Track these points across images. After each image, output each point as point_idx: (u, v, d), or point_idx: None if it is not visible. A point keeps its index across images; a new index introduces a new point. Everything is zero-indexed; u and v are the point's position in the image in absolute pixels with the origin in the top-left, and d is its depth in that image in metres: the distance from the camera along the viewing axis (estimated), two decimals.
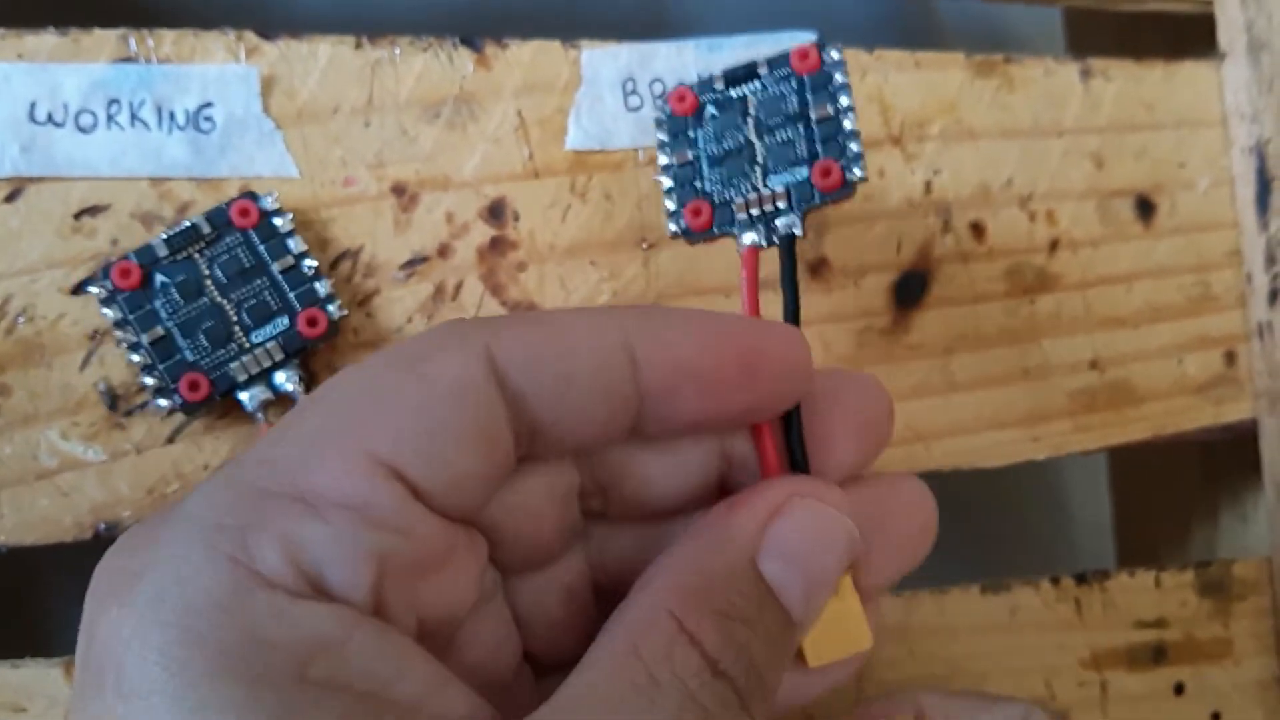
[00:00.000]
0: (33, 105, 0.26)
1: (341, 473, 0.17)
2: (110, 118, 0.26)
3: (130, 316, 0.25)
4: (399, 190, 0.28)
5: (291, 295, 0.26)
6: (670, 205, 0.25)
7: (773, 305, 0.24)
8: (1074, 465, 0.46)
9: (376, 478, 0.17)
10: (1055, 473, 0.48)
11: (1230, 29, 0.36)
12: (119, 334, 0.25)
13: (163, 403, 0.25)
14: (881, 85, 0.32)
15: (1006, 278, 0.33)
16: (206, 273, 0.26)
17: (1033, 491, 0.46)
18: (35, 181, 0.26)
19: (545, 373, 0.19)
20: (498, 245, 0.29)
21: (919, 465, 0.32)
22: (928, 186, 0.32)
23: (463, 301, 0.28)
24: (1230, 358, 0.35)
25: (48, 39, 0.26)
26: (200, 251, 0.26)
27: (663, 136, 0.25)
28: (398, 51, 0.28)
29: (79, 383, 0.26)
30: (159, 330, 0.25)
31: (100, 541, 0.26)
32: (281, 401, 0.26)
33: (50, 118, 0.26)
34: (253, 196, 0.26)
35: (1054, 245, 0.33)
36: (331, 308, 0.26)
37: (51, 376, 0.26)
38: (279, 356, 0.26)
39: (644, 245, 0.30)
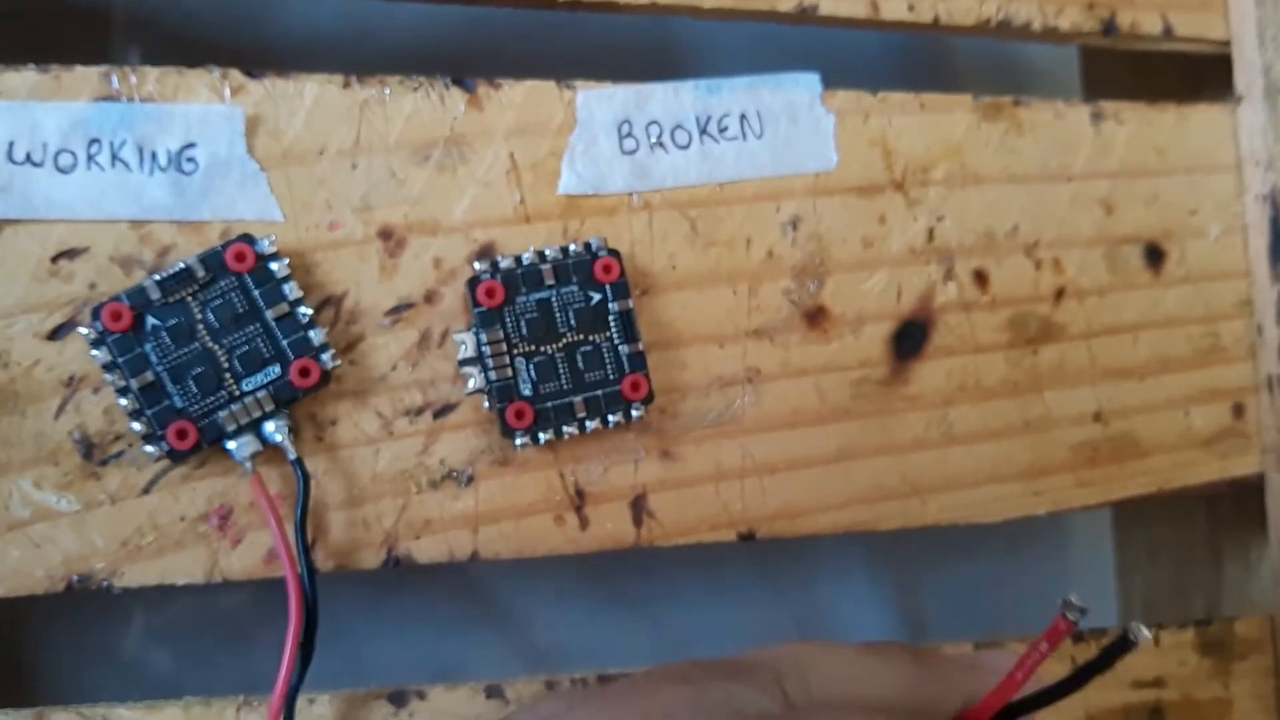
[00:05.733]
0: (11, 145, 0.25)
1: None
2: (90, 158, 0.26)
3: (120, 360, 0.25)
4: (386, 234, 0.27)
5: (284, 343, 0.25)
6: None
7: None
8: (1077, 513, 0.45)
9: None
10: (1057, 520, 0.47)
11: (1247, 71, 0.35)
12: (108, 377, 0.25)
13: (150, 450, 0.25)
14: (885, 128, 0.31)
15: (1009, 327, 0.32)
16: (199, 317, 0.25)
17: (1034, 539, 0.45)
18: (12, 224, 0.25)
19: None
20: None
21: (914, 520, 0.31)
22: (930, 233, 0.31)
23: (449, 350, 0.27)
24: (1239, 410, 0.34)
25: (28, 76, 0.25)
26: (193, 295, 0.25)
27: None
28: (387, 91, 0.27)
29: (53, 431, 0.25)
30: (148, 375, 0.25)
31: (74, 594, 0.25)
32: (269, 451, 0.25)
33: (29, 158, 0.25)
34: (249, 239, 0.25)
35: (1060, 294, 0.33)
36: (325, 357, 0.26)
37: (25, 424, 0.25)
38: (269, 407, 0.25)
39: (637, 292, 0.29)
